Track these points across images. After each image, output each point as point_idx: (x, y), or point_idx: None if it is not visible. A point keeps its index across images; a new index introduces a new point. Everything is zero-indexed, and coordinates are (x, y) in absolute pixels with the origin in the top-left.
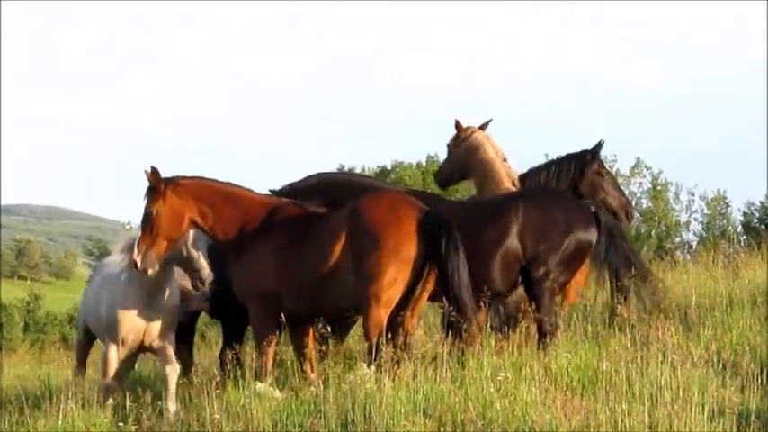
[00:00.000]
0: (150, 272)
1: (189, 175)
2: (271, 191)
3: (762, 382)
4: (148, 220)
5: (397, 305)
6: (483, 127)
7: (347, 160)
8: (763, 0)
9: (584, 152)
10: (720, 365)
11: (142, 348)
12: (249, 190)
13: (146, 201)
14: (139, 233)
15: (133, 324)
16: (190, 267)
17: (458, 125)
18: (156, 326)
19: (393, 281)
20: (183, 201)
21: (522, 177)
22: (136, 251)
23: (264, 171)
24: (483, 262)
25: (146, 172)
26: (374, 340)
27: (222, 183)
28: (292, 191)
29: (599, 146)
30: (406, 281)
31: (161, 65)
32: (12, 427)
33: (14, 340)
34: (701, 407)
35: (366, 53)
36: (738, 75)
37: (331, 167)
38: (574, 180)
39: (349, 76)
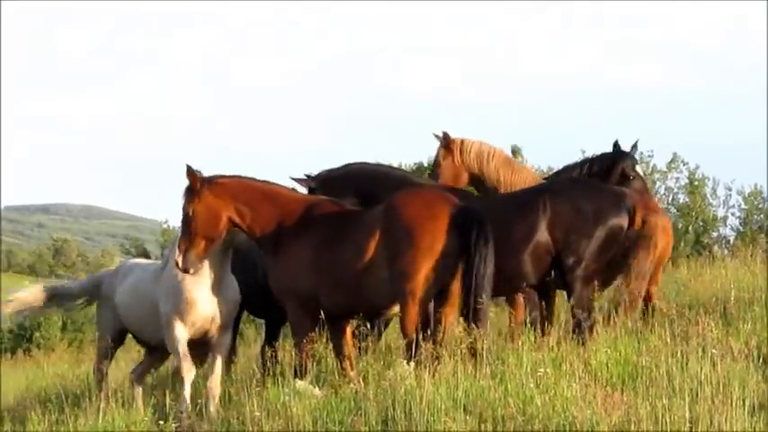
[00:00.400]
0: (192, 272)
1: (227, 173)
2: (306, 175)
3: None
4: (187, 220)
5: (434, 301)
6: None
7: (385, 156)
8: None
9: (614, 153)
10: (760, 360)
11: (200, 341)
12: (286, 187)
13: (183, 200)
14: (179, 233)
15: (205, 307)
16: None
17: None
18: (221, 316)
19: (428, 277)
20: (221, 200)
21: (555, 174)
22: (177, 251)
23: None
24: (514, 256)
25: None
26: (412, 337)
27: (260, 181)
28: (329, 177)
29: (633, 147)
30: (442, 277)
31: (164, 64)
32: (52, 427)
33: (52, 339)
34: (741, 402)
35: (368, 51)
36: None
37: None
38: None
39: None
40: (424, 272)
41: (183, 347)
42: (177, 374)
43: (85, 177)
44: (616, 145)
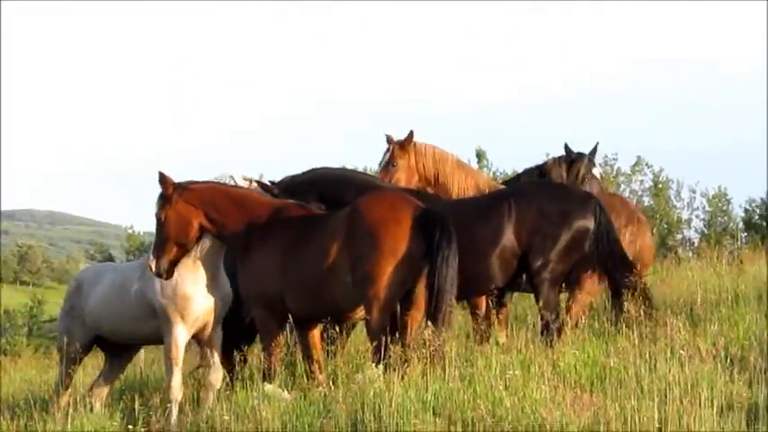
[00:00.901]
0: (165, 277)
1: (199, 180)
2: (270, 182)
3: None
4: (159, 226)
5: (400, 304)
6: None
7: (351, 160)
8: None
9: (568, 155)
10: (728, 361)
11: (196, 335)
12: (256, 192)
13: (156, 207)
14: (154, 240)
15: (204, 303)
16: None
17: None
18: (215, 311)
19: (392, 280)
20: (191, 206)
21: (515, 178)
22: (150, 256)
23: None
24: (481, 260)
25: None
26: (379, 340)
27: (231, 186)
28: (292, 183)
29: (593, 150)
30: (406, 279)
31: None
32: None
33: (18, 345)
34: (710, 402)
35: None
36: (736, 78)
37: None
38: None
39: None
40: (387, 275)
41: (181, 353)
42: (167, 392)
43: (49, 183)
44: (566, 147)
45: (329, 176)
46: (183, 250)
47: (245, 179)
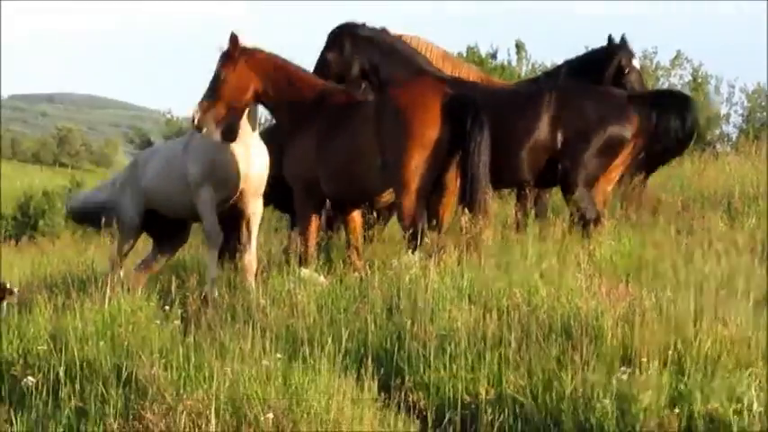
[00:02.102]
0: (204, 131)
1: (265, 49)
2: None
3: None
4: (216, 83)
5: (433, 190)
6: None
7: None
8: None
9: (608, 47)
10: (765, 254)
11: (233, 207)
12: (309, 73)
13: (218, 63)
14: (204, 92)
15: (232, 169)
16: None
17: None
18: (250, 182)
19: (421, 166)
20: (253, 72)
21: (556, 70)
22: (197, 107)
23: None
24: (512, 150)
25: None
26: (411, 227)
27: (289, 62)
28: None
29: (623, 41)
30: (436, 166)
31: None
32: (58, 311)
33: (57, 227)
34: (746, 295)
35: None
36: None
37: None
38: (597, 73)
39: None
40: (415, 160)
41: (211, 208)
42: (206, 241)
43: (89, 66)
44: (610, 39)
45: (385, 47)
46: (230, 114)
47: None
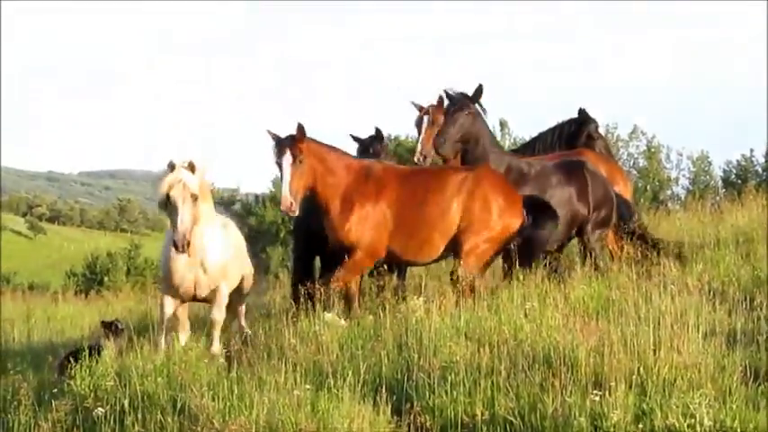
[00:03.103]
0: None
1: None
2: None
3: (745, 307)
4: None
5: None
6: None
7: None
8: None
9: (580, 117)
10: (711, 294)
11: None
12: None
13: (288, 154)
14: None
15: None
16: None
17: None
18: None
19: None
20: (311, 159)
21: (533, 140)
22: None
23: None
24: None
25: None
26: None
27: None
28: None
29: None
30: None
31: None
32: (123, 351)
33: (119, 283)
34: (696, 328)
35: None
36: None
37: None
38: (571, 140)
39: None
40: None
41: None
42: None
43: (145, 145)
44: (581, 111)
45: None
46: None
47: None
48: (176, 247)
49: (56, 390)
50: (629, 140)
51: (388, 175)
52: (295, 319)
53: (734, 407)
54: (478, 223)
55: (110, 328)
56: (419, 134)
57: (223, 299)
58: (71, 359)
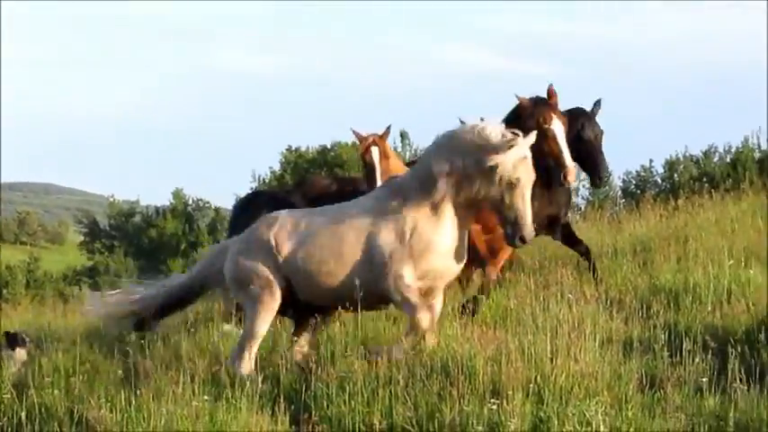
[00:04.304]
0: None
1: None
2: None
3: (642, 316)
4: None
5: None
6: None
7: (291, 140)
8: None
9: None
10: (608, 302)
11: None
12: None
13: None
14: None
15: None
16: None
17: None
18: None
19: None
20: None
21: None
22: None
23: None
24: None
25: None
26: None
27: None
28: None
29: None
30: None
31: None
32: (26, 365)
33: (17, 295)
34: (593, 336)
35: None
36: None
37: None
38: None
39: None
40: None
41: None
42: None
43: (43, 157)
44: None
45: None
46: None
47: None
48: None
49: None
50: None
51: None
52: (193, 330)
53: (630, 414)
54: None
55: (15, 339)
56: (370, 167)
57: None
58: None
